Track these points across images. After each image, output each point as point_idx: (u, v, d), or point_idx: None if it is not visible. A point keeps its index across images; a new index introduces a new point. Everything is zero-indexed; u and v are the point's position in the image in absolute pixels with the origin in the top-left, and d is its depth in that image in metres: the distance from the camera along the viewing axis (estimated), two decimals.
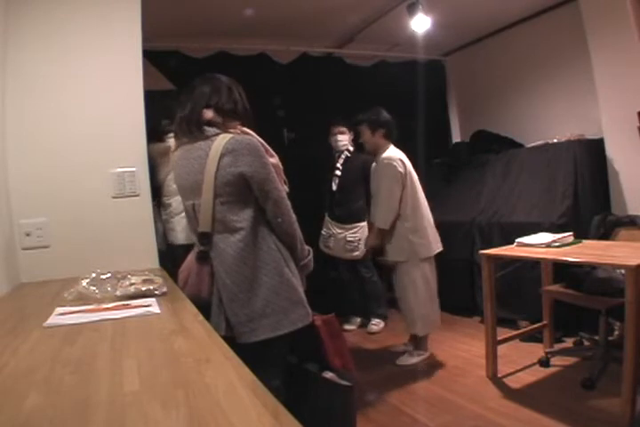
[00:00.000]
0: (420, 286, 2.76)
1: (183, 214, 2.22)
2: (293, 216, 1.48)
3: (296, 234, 1.49)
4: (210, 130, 1.44)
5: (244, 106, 1.53)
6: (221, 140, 1.39)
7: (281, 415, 0.66)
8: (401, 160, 2.77)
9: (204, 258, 1.44)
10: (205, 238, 1.42)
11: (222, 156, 1.37)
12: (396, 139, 2.93)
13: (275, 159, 1.49)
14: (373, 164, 3.00)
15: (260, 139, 1.47)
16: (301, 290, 1.47)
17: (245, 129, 1.49)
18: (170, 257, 2.02)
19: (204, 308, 1.43)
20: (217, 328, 1.41)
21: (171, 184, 2.24)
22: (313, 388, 1.48)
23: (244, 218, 1.40)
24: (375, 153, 2.93)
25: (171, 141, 2.27)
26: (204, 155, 1.40)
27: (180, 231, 2.21)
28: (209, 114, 1.46)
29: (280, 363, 1.46)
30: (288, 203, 1.47)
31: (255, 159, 1.39)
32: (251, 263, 1.39)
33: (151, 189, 2.32)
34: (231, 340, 1.38)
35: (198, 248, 1.46)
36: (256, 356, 1.34)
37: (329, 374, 1.48)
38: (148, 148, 2.31)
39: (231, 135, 1.41)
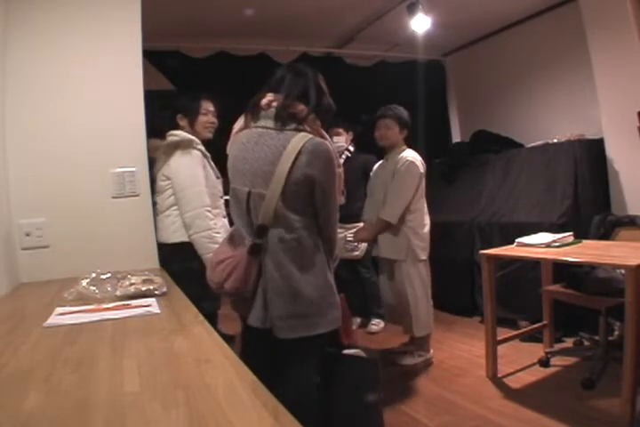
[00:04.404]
0: (417, 286, 2.77)
1: (167, 212, 2.06)
2: (337, 225, 1.55)
3: (336, 241, 1.55)
4: (292, 124, 1.42)
5: (329, 102, 1.50)
6: (301, 139, 1.38)
7: (281, 415, 0.66)
8: (422, 162, 2.80)
9: (257, 251, 1.42)
10: (262, 231, 1.42)
11: (299, 154, 1.36)
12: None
13: (340, 169, 1.50)
14: (381, 162, 2.99)
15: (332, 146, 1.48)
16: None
17: (324, 133, 1.48)
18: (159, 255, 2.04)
19: (243, 300, 1.47)
20: (256, 320, 1.44)
21: (158, 181, 2.11)
22: (338, 368, 1.51)
23: (301, 218, 1.42)
24: (389, 149, 2.91)
25: (170, 138, 2.19)
26: (279, 147, 1.38)
27: (162, 229, 2.13)
28: (299, 106, 1.44)
29: (316, 356, 1.49)
30: (338, 213, 1.52)
31: (329, 167, 1.41)
32: (300, 261, 1.41)
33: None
34: (268, 333, 1.41)
35: (252, 241, 1.43)
36: (296, 350, 1.43)
37: (351, 351, 1.53)
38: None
39: (311, 136, 1.40)
